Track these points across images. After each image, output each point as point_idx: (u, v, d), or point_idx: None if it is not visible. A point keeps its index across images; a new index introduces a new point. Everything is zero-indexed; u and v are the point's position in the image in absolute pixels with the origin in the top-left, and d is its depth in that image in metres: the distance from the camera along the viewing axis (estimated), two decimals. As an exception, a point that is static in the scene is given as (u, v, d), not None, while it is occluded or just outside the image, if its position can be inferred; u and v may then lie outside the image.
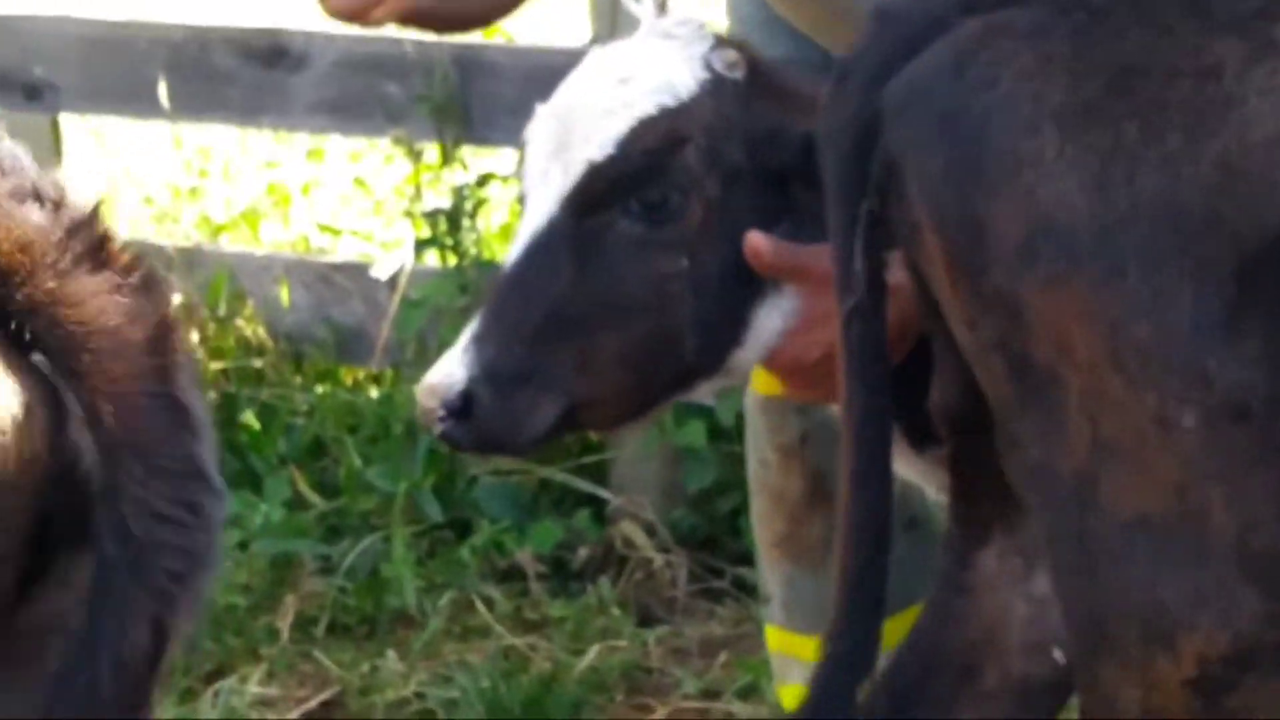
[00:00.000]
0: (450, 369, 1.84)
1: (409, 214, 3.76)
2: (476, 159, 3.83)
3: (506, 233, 3.99)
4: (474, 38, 4.09)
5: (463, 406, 1.84)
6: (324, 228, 4.31)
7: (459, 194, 3.61)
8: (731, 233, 1.87)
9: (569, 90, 1.93)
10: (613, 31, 3.42)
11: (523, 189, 1.93)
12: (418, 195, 3.71)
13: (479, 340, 1.86)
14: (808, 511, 2.32)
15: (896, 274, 1.66)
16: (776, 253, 1.85)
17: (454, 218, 3.59)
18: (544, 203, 1.88)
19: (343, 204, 4.58)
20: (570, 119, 1.89)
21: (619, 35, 3.40)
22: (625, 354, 1.88)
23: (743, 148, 1.88)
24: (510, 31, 4.22)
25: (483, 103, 3.56)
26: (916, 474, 1.98)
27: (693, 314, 1.87)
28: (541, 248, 1.87)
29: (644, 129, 1.86)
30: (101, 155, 4.95)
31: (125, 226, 4.30)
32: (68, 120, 4.18)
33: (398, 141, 3.61)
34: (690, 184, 1.87)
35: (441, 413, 1.83)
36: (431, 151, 3.64)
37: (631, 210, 1.87)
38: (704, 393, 2.01)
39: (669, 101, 1.87)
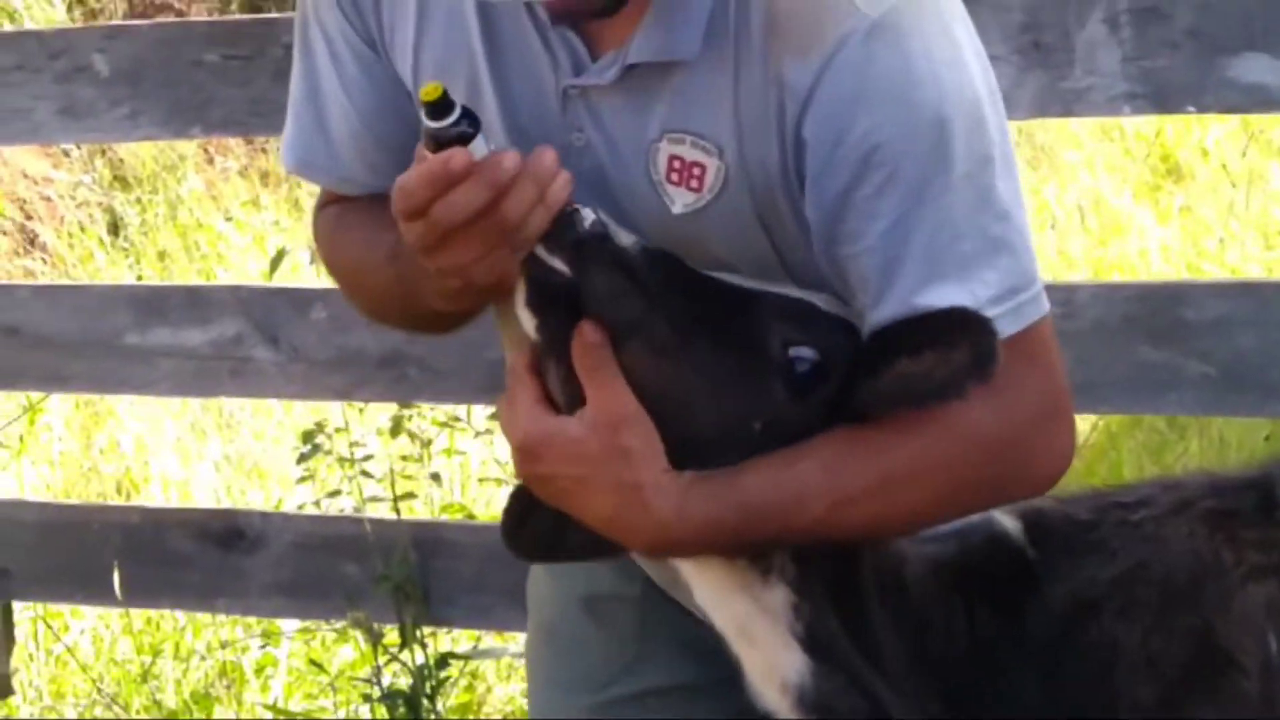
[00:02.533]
0: None
1: (366, 697, 3.68)
2: (433, 640, 3.77)
3: (464, 710, 3.90)
4: (432, 517, 4.09)
5: None
6: (278, 711, 4.21)
7: (419, 674, 3.55)
8: None
9: None
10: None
11: None
12: (377, 676, 3.64)
13: None
14: None
15: None
16: None
17: (413, 699, 3.52)
18: None
19: (298, 682, 4.49)
20: None
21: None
22: None
23: None
24: (471, 509, 4.23)
25: (442, 581, 3.52)
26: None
27: None
28: None
29: None
30: (50, 637, 4.87)
31: (72, 710, 4.20)
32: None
33: (356, 624, 3.55)
34: None
35: None
36: (391, 631, 3.59)
37: None
38: None
39: None
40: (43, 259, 6.99)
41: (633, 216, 1.86)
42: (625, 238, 1.74)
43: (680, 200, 1.85)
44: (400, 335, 3.37)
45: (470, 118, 1.71)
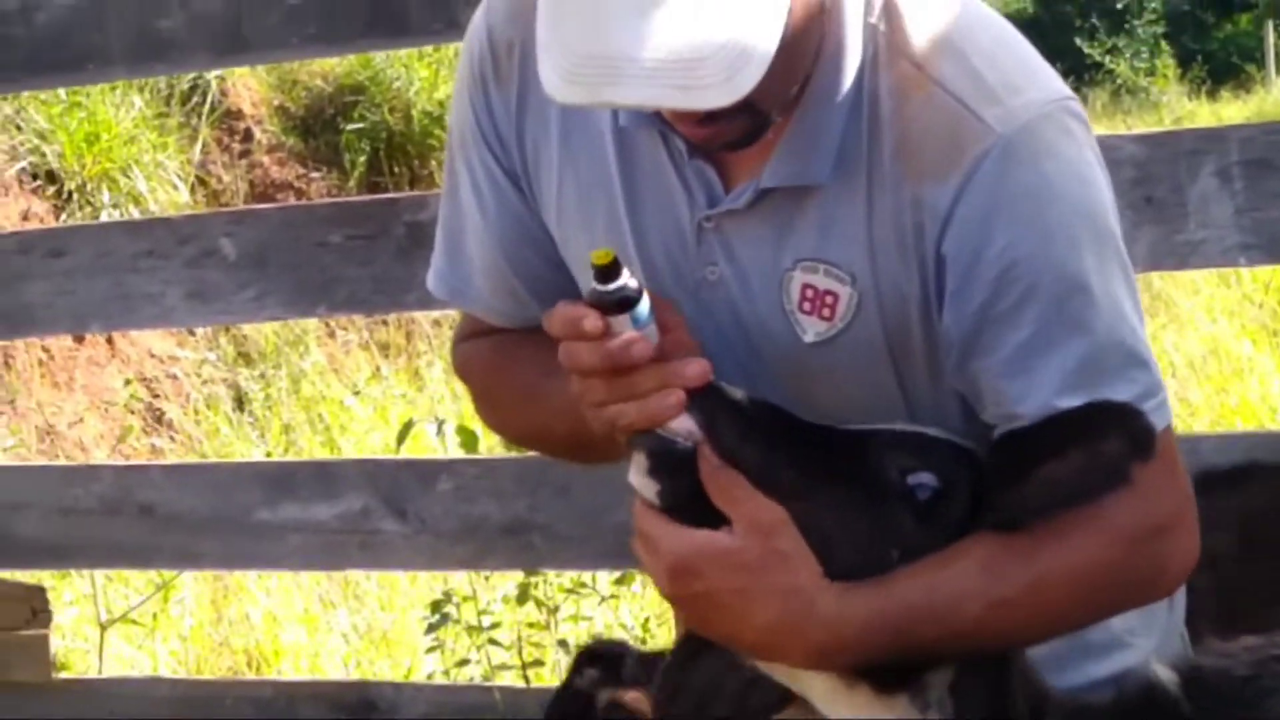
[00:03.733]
0: None
1: None
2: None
3: None
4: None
5: None
6: None
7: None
8: None
9: None
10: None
11: None
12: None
13: None
14: None
15: None
16: None
17: None
18: None
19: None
20: None
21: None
22: None
23: None
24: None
25: None
26: None
27: None
28: None
29: None
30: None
31: None
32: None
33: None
34: None
35: None
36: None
37: None
38: None
39: None
40: (170, 436, 7.11)
41: (763, 349, 1.89)
42: (735, 391, 1.77)
43: (813, 330, 1.88)
44: (524, 504, 3.41)
45: (635, 286, 1.76)
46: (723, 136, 1.83)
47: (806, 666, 1.79)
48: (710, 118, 1.71)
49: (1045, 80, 1.86)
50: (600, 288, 1.76)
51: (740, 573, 1.74)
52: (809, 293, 1.87)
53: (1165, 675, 1.85)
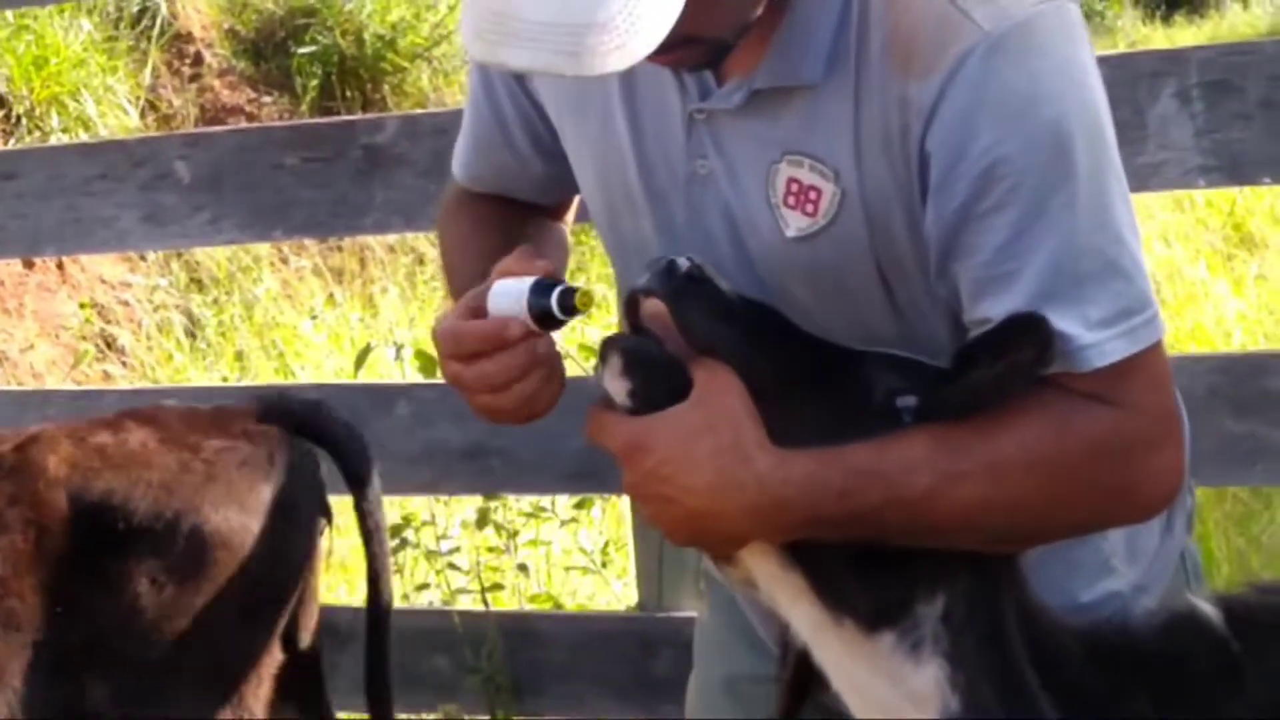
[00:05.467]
0: None
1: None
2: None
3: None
4: (520, 608, 4.10)
5: None
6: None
7: (511, 770, 3.54)
8: None
9: None
10: (660, 598, 3.42)
11: None
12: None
13: None
14: None
15: None
16: None
17: (506, 792, 3.51)
18: None
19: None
20: None
21: (667, 600, 3.43)
22: None
23: None
24: (558, 598, 4.23)
25: (532, 671, 3.52)
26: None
27: None
28: None
29: None
30: None
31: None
32: None
33: (448, 716, 3.56)
34: None
35: None
36: (481, 724, 3.59)
37: None
38: None
39: None
40: (122, 362, 7.07)
41: (749, 244, 1.89)
42: (725, 284, 1.78)
43: (795, 224, 1.87)
44: (483, 429, 3.40)
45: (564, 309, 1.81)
46: (682, 63, 1.83)
47: (748, 530, 1.76)
48: (659, 50, 1.67)
49: None
50: (554, 309, 1.79)
51: (685, 436, 1.73)
52: (793, 186, 1.86)
53: (1209, 610, 1.81)
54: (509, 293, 1.82)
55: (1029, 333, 1.69)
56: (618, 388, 1.78)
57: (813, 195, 1.85)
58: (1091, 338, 1.74)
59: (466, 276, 2.02)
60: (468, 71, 2.23)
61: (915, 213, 1.82)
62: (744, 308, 1.78)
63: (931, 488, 1.72)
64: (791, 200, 1.87)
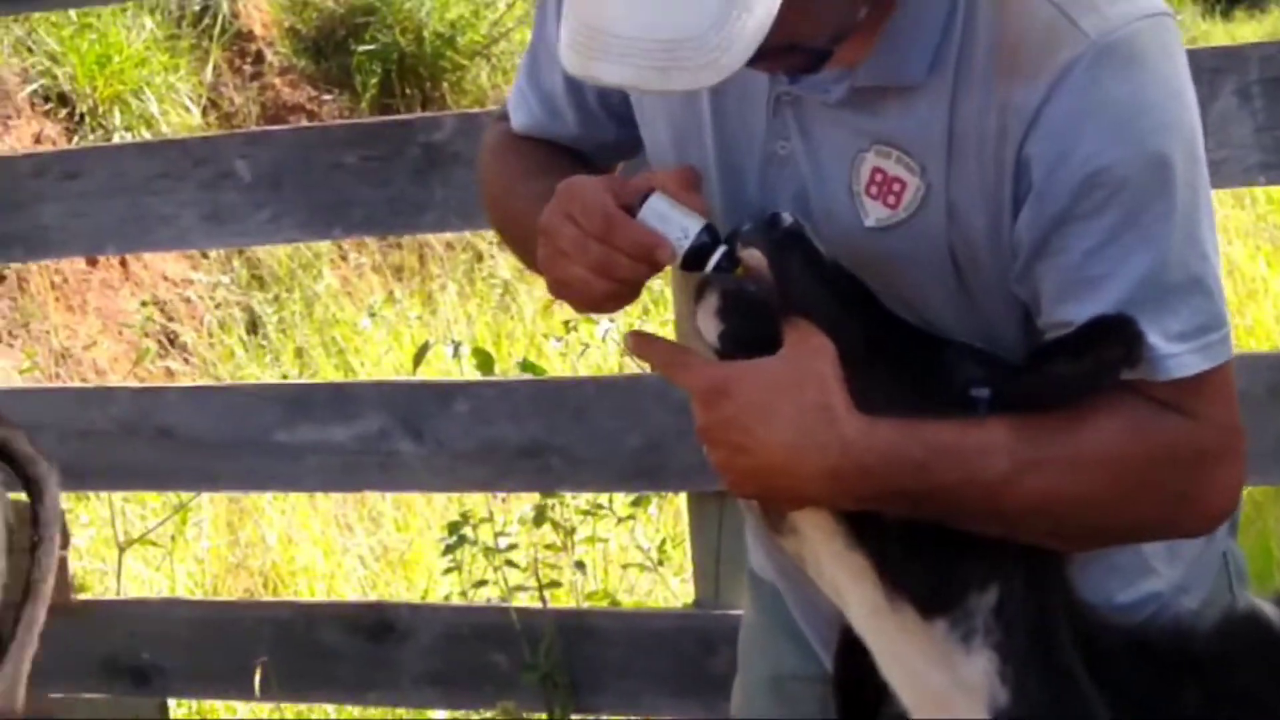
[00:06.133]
0: None
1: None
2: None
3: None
4: (577, 605, 4.11)
5: None
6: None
7: (570, 764, 3.55)
8: None
9: None
10: (716, 595, 3.43)
11: None
12: (529, 765, 3.65)
13: None
14: None
15: None
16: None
17: (566, 789, 3.52)
18: None
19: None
20: None
21: (724, 597, 3.43)
22: None
23: None
24: (615, 595, 4.24)
25: (589, 669, 3.53)
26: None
27: None
28: None
29: None
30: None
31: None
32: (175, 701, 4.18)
33: (506, 713, 3.57)
34: None
35: None
36: (540, 720, 3.60)
37: None
38: None
39: None
40: (184, 359, 7.13)
41: (823, 230, 1.88)
42: (820, 247, 1.79)
43: (875, 214, 1.87)
44: (542, 425, 3.42)
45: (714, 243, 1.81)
46: (778, 70, 1.83)
47: (820, 493, 1.76)
48: (755, 58, 1.67)
49: None
50: (712, 262, 1.79)
51: (771, 390, 1.73)
52: (878, 176, 1.86)
53: (1271, 611, 1.82)
54: (668, 217, 1.80)
55: (1118, 332, 1.71)
56: (710, 327, 1.79)
57: (896, 187, 1.85)
58: (1170, 349, 1.75)
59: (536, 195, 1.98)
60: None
61: (997, 217, 1.83)
62: (838, 269, 1.79)
63: (1008, 473, 1.73)
64: (874, 190, 1.87)
